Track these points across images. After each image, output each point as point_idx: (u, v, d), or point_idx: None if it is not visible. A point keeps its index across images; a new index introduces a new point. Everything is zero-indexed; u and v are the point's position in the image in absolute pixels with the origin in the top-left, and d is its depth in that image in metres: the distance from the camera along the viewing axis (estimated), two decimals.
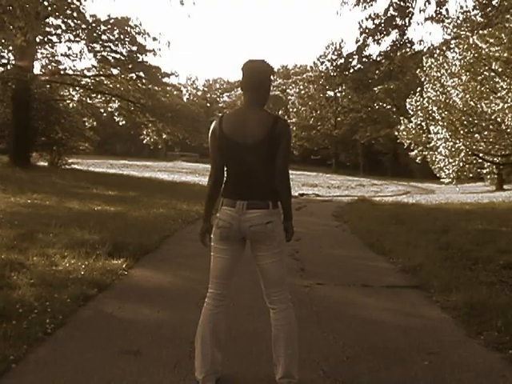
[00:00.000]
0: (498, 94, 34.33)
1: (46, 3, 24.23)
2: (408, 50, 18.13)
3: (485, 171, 51.34)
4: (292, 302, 4.92)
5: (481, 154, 45.05)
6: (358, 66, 18.56)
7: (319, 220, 18.98)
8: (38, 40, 32.03)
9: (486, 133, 41.49)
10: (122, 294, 7.77)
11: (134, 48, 35.53)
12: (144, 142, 49.33)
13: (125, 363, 5.24)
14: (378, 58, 18.17)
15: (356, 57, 18.20)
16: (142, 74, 36.97)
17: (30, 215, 13.79)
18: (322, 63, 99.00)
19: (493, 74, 37.05)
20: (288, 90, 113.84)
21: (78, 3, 30.89)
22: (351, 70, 18.99)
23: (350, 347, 5.98)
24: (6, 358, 5.03)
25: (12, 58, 33.62)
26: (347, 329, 6.69)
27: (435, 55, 40.97)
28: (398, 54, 17.92)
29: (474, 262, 11.00)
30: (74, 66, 39.45)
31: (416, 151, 54.42)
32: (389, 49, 17.68)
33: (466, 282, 8.91)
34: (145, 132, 45.20)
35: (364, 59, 18.12)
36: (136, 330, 6.21)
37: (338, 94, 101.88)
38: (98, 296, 7.49)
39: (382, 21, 16.95)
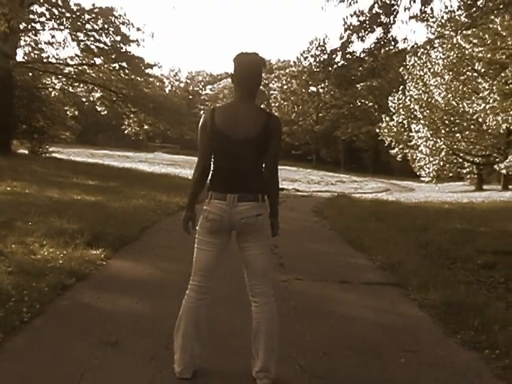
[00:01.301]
0: (480, 95, 34.55)
1: None
2: (392, 47, 18.16)
3: (465, 171, 51.67)
4: None
5: (461, 154, 45.41)
6: (342, 62, 18.58)
7: (299, 215, 18.98)
8: (21, 27, 31.85)
9: (467, 133, 41.82)
10: (100, 285, 7.73)
11: (118, 38, 35.37)
12: (125, 132, 49.16)
13: (102, 353, 5.22)
14: (362, 55, 18.20)
15: (340, 53, 18.22)
16: (125, 64, 36.83)
17: (10, 203, 13.70)
18: (306, 58, 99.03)
19: (475, 74, 37.32)
20: (270, 85, 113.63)
21: None
22: (335, 66, 19.02)
23: (327, 343, 5.99)
24: None
25: None
26: (325, 324, 6.71)
27: (418, 54, 41.17)
28: (382, 51, 17.95)
29: (452, 261, 11.08)
30: (57, 54, 39.25)
31: (397, 149, 54.75)
32: (373, 46, 17.71)
33: (444, 280, 8.93)
34: (126, 122, 45.01)
35: (348, 56, 18.14)
36: (114, 320, 6.18)
37: (321, 90, 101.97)
38: (76, 286, 7.45)
39: (367, 18, 16.97)
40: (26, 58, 37.13)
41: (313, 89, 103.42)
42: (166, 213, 15.66)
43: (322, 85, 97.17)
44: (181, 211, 16.60)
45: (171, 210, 16.28)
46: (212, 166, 4.82)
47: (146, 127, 44.61)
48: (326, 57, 19.76)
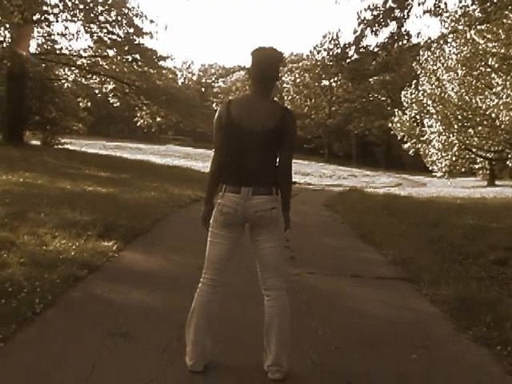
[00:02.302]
0: (494, 90, 34.33)
1: None
2: (405, 42, 18.12)
3: (477, 166, 51.47)
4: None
5: (474, 149, 45.14)
6: (355, 56, 18.57)
7: (311, 209, 18.96)
8: (34, 19, 31.90)
9: (479, 128, 41.53)
10: (112, 277, 7.75)
11: (131, 30, 35.38)
12: (138, 124, 49.24)
13: (113, 345, 5.23)
14: (376, 49, 18.17)
15: (353, 47, 18.19)
16: (137, 56, 36.84)
17: (22, 194, 13.72)
18: (319, 52, 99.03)
19: (489, 69, 37.05)
20: (283, 78, 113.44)
21: None
22: (348, 60, 19.04)
23: (339, 337, 5.98)
24: None
25: (8, 35, 33.48)
26: (336, 319, 6.70)
27: (432, 49, 40.95)
28: (396, 46, 17.92)
29: (464, 257, 11.03)
30: (70, 45, 39.35)
31: (409, 144, 54.43)
32: (386, 40, 17.67)
33: (456, 276, 8.90)
34: (139, 114, 45.14)
35: (361, 50, 18.12)
36: (126, 312, 6.19)
37: (334, 84, 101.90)
38: (88, 277, 7.47)
39: (381, 12, 16.93)
40: (39, 49, 37.24)
41: (325, 82, 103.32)
42: (178, 205, 15.68)
43: (335, 78, 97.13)
44: (193, 204, 16.86)
45: (183, 203, 16.30)
46: (227, 159, 4.81)
47: (158, 119, 44.66)
48: (339, 51, 19.79)
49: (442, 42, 35.16)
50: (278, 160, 4.80)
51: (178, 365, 4.88)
